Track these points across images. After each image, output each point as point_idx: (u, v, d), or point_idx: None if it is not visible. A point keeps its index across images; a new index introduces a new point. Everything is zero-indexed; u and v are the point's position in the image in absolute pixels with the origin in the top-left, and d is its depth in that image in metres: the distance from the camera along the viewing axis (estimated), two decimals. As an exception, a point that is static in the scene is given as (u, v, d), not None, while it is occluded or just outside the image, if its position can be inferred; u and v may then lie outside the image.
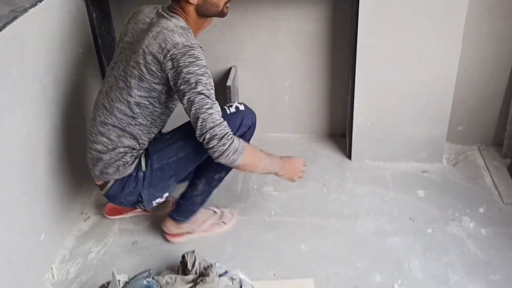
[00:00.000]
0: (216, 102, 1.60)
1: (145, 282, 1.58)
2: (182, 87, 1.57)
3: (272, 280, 1.78)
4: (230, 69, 2.40)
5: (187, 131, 1.68)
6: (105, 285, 1.66)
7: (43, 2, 1.77)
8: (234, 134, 1.66)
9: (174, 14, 1.66)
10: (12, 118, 1.60)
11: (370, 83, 2.19)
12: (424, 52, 2.09)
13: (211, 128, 1.56)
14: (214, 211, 2.04)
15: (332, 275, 1.78)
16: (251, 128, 1.81)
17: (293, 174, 1.85)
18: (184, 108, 1.59)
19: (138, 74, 1.62)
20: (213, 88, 1.60)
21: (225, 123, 1.59)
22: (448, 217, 2.02)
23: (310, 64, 2.39)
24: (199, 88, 1.55)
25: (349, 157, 2.39)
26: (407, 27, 2.05)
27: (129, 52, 1.66)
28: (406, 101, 2.20)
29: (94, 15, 2.12)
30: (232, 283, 1.67)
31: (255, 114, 1.84)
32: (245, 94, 2.49)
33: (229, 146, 1.57)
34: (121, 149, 1.71)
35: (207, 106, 1.56)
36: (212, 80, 1.60)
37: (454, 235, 1.93)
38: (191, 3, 1.65)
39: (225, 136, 1.57)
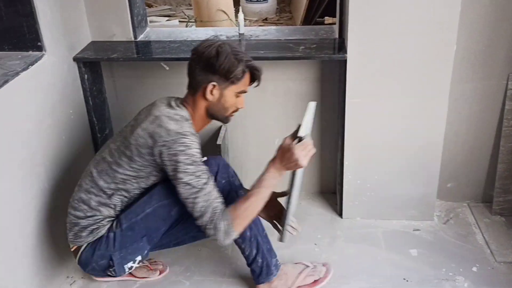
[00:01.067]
0: (204, 188, 1.61)
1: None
2: (171, 174, 1.63)
3: None
4: (220, 128, 2.41)
5: (153, 186, 1.74)
6: None
7: (35, 65, 1.80)
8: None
9: (181, 106, 1.72)
10: (-1, 183, 1.58)
11: (359, 142, 2.20)
12: (411, 111, 2.12)
13: (197, 218, 1.63)
14: (306, 265, 1.99)
15: None
16: (219, 171, 1.82)
17: (294, 162, 1.64)
18: None
19: (129, 153, 1.66)
20: (204, 172, 1.63)
21: (210, 206, 1.61)
22: (442, 277, 1.99)
23: (299, 123, 2.41)
24: (186, 178, 1.60)
25: (340, 215, 2.38)
26: (394, 87, 2.09)
27: (128, 132, 1.71)
28: (396, 159, 2.22)
29: (86, 76, 2.15)
30: None
31: (221, 158, 1.90)
32: (235, 152, 2.50)
33: (215, 234, 1.62)
34: (99, 216, 1.74)
35: (192, 196, 1.61)
36: (202, 166, 1.64)
37: (449, 297, 1.90)
38: (206, 99, 1.71)
39: (207, 225, 1.61)
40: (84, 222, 1.74)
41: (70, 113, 2.06)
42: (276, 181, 1.69)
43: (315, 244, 2.21)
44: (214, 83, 1.67)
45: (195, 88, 1.71)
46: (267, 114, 2.41)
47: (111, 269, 1.78)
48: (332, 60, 2.21)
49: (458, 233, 2.24)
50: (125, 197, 1.74)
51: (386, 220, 2.33)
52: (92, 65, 2.20)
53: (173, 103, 1.73)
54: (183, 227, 1.80)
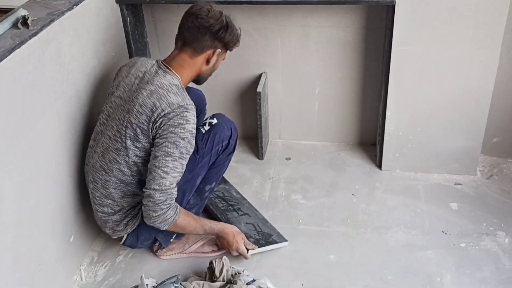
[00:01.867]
0: (179, 171, 1.62)
1: (173, 287, 1.57)
2: (161, 141, 1.59)
3: (300, 290, 1.75)
4: (260, 75, 2.38)
5: None
6: (133, 289, 1.66)
7: (79, 6, 1.79)
8: (217, 151, 1.80)
9: (169, 71, 1.67)
10: (46, 121, 1.61)
11: (403, 92, 2.14)
12: (460, 62, 2.04)
13: (153, 189, 1.60)
14: None
15: (362, 288, 1.74)
16: (232, 135, 1.83)
17: (228, 246, 1.84)
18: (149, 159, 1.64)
19: (132, 134, 1.63)
20: (189, 153, 1.63)
21: (172, 193, 1.62)
22: (482, 232, 1.96)
23: (342, 72, 2.36)
24: (172, 150, 1.59)
25: (380, 166, 2.35)
26: (443, 36, 2.00)
27: (122, 111, 1.66)
28: (441, 111, 2.15)
29: (128, 19, 2.14)
30: (260, 292, 1.65)
31: (231, 122, 1.86)
32: (275, 100, 2.48)
33: (161, 214, 1.62)
34: (127, 208, 1.76)
35: (165, 169, 1.59)
36: (191, 144, 1.63)
37: (489, 250, 1.87)
38: (207, 63, 1.71)
39: (163, 203, 1.61)
40: (115, 217, 1.75)
41: (113, 56, 2.06)
42: (205, 234, 1.83)
43: (353, 194, 2.20)
44: (219, 50, 1.70)
45: (197, 51, 1.68)
46: (309, 62, 2.36)
47: (157, 244, 1.88)
48: (379, 5, 2.12)
49: (501, 188, 2.19)
50: (143, 181, 1.70)
51: (426, 173, 2.29)
52: (134, 7, 2.19)
53: (160, 72, 1.66)
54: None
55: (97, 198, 1.74)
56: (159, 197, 1.60)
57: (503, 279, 1.75)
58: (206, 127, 1.80)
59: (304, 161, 2.44)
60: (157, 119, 1.59)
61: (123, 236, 1.81)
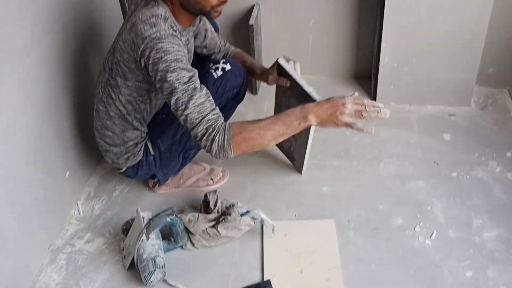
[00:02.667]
0: (193, 96, 1.43)
1: (168, 219, 1.60)
2: (158, 85, 1.47)
3: (293, 220, 1.79)
4: (252, 7, 2.32)
5: None
6: (130, 221, 1.70)
7: None
8: (227, 98, 1.70)
9: (160, 1, 1.54)
10: (32, 58, 1.58)
11: (399, 22, 2.10)
12: (457, -11, 1.98)
13: (191, 129, 1.46)
14: (204, 167, 1.99)
15: (353, 217, 1.78)
16: (244, 83, 1.78)
17: (330, 116, 1.47)
18: None
19: (121, 72, 1.58)
20: (191, 78, 1.45)
21: (206, 118, 1.43)
22: (474, 161, 1.98)
23: (336, 2, 2.30)
24: (172, 87, 1.43)
25: (374, 99, 2.34)
26: (441, -38, 1.93)
27: (114, 46, 1.60)
28: (436, 42, 2.12)
29: None
30: (254, 222, 1.69)
31: (243, 68, 1.79)
32: (268, 33, 2.42)
33: (211, 146, 1.45)
34: (129, 142, 1.73)
35: (182, 107, 1.43)
36: (188, 70, 1.45)
37: (480, 180, 1.90)
38: None
39: (205, 136, 1.44)
40: (115, 149, 1.74)
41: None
42: (298, 124, 1.48)
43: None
44: None
45: None
46: (303, -8, 2.29)
47: (154, 180, 1.89)
48: None
49: (495, 119, 2.19)
50: (143, 118, 1.70)
51: (421, 105, 2.28)
52: None
53: (152, 1, 1.53)
54: None
55: (99, 127, 1.73)
56: (200, 130, 1.44)
57: (492, 207, 1.79)
58: (219, 72, 1.73)
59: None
60: (140, 59, 1.48)
61: (122, 169, 1.82)
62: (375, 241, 1.69)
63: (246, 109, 2.34)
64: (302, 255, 1.65)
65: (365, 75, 2.49)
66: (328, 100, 1.51)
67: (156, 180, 1.89)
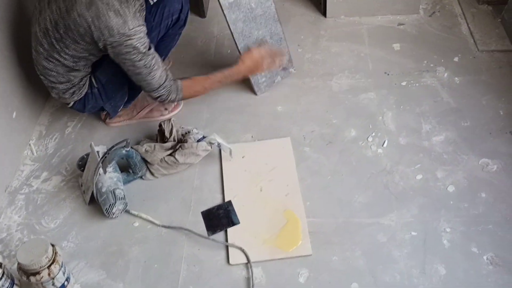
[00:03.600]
0: (153, 71, 1.57)
1: (124, 151, 1.60)
2: (119, 63, 1.57)
3: (250, 142, 1.81)
4: None
5: None
6: (85, 156, 1.68)
7: None
8: (166, 25, 1.72)
9: None
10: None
11: None
12: None
13: (149, 93, 1.65)
14: None
15: (308, 133, 1.81)
16: (183, 9, 1.74)
17: (258, 66, 1.78)
18: None
19: (71, 36, 1.51)
20: (153, 59, 1.56)
21: (162, 86, 1.61)
22: (423, 69, 2.01)
23: None
24: (136, 70, 1.56)
25: (324, 14, 2.31)
26: None
27: (62, 4, 1.49)
28: None
29: None
30: (211, 147, 1.70)
31: None
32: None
33: (164, 101, 1.69)
34: (74, 80, 1.68)
35: (144, 80, 1.59)
36: (151, 55, 1.55)
37: (428, 86, 1.94)
38: None
39: (159, 98, 1.65)
40: (61, 87, 1.68)
41: None
42: (233, 81, 1.78)
43: (298, 45, 2.19)
44: None
45: None
46: None
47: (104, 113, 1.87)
48: None
49: (443, 25, 2.20)
50: (90, 62, 1.66)
51: (370, 17, 2.27)
52: None
53: None
54: None
55: (40, 68, 1.66)
56: (155, 96, 1.64)
57: (441, 111, 1.85)
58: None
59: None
60: (99, 43, 1.50)
61: (70, 103, 1.77)
62: (330, 154, 1.74)
63: (196, 34, 2.28)
64: (261, 174, 1.69)
65: (314, -10, 2.44)
66: (250, 58, 1.77)
67: (106, 112, 1.85)
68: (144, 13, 1.60)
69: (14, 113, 1.77)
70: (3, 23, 1.71)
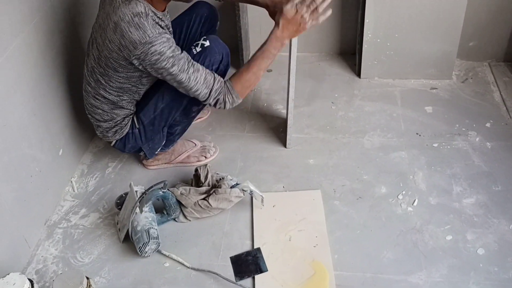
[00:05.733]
0: (196, 76, 1.61)
1: (161, 192, 1.66)
2: (159, 77, 1.62)
3: (281, 192, 1.85)
4: (238, -14, 2.35)
5: (159, 82, 1.73)
6: (123, 195, 1.75)
7: None
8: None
9: None
10: (22, 38, 1.61)
11: (381, -2, 2.15)
12: (437, -37, 2.03)
13: (204, 101, 1.69)
14: (195, 144, 2.04)
15: (339, 187, 1.85)
16: (223, 60, 1.76)
17: (296, 28, 1.63)
18: None
19: (111, 65, 1.63)
20: (188, 62, 1.59)
21: (213, 89, 1.65)
22: (454, 132, 2.05)
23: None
24: (177, 78, 1.59)
25: (359, 75, 2.40)
26: None
27: (100, 39, 1.62)
28: (418, 16, 2.17)
29: None
30: (243, 194, 1.75)
31: (224, 46, 1.76)
32: (254, 11, 2.45)
33: (225, 106, 1.70)
34: (117, 118, 1.79)
35: (191, 88, 1.62)
36: (183, 57, 1.58)
37: (460, 149, 1.97)
38: None
39: (217, 104, 1.69)
40: (105, 125, 1.80)
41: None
42: (277, 51, 1.68)
43: (332, 102, 2.27)
44: None
45: None
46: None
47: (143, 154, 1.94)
48: None
49: (475, 91, 2.26)
50: (133, 98, 1.76)
51: (404, 80, 2.35)
52: None
53: None
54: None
55: (89, 106, 1.80)
56: (212, 101, 1.68)
57: (472, 174, 1.87)
58: (198, 49, 1.74)
59: (284, 72, 2.45)
60: (132, 59, 1.57)
61: (112, 142, 1.88)
62: (360, 209, 1.76)
63: (234, 87, 2.39)
64: (291, 223, 1.72)
65: (349, 51, 2.54)
66: (286, 19, 1.62)
67: (143, 153, 1.94)
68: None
69: (61, 151, 1.87)
70: (57, 67, 1.85)
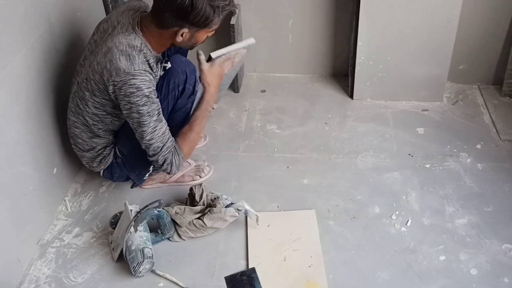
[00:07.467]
0: (160, 126, 1.62)
1: (155, 211, 1.66)
2: (125, 112, 1.61)
3: (276, 211, 1.86)
4: (233, 8, 2.39)
5: None
6: (118, 214, 1.75)
7: None
8: (174, 96, 1.71)
9: (137, 30, 1.60)
10: (19, 57, 1.62)
11: (373, 21, 2.19)
12: (428, -11, 2.09)
13: (152, 156, 1.67)
14: (189, 163, 2.04)
15: (333, 207, 1.86)
16: (188, 79, 1.71)
17: (221, 75, 1.77)
18: None
19: (90, 88, 1.64)
20: (159, 109, 1.61)
21: (168, 147, 1.65)
22: (446, 153, 2.08)
23: (314, 3, 2.39)
24: (141, 119, 1.58)
25: (351, 96, 2.43)
26: (412, -37, 2.03)
27: (87, 63, 1.66)
28: (409, 39, 2.22)
29: None
30: (238, 213, 1.76)
31: (188, 63, 1.72)
32: (249, 33, 2.49)
33: (171, 169, 1.70)
34: (97, 148, 1.80)
35: (148, 136, 1.61)
36: (156, 103, 1.59)
37: (451, 170, 2.00)
38: (175, 39, 1.60)
39: (165, 164, 1.68)
40: (87, 155, 1.81)
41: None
42: (208, 112, 1.79)
43: (326, 123, 2.29)
44: (186, 29, 1.57)
45: (163, 26, 1.58)
46: (281, -7, 2.37)
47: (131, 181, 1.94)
48: None
49: (465, 113, 2.30)
50: (108, 127, 1.75)
51: (396, 101, 2.38)
52: None
53: (129, 28, 1.59)
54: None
55: (71, 135, 1.81)
56: (160, 158, 1.66)
57: (463, 195, 1.89)
58: (160, 72, 1.70)
59: (278, 93, 2.51)
60: (108, 85, 1.57)
61: (99, 172, 1.88)
62: (354, 229, 1.77)
63: (229, 107, 2.41)
64: (285, 243, 1.73)
65: (342, 73, 2.58)
66: (210, 76, 1.75)
67: (132, 181, 1.94)
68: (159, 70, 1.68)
69: (55, 169, 1.87)
70: (53, 88, 1.85)
